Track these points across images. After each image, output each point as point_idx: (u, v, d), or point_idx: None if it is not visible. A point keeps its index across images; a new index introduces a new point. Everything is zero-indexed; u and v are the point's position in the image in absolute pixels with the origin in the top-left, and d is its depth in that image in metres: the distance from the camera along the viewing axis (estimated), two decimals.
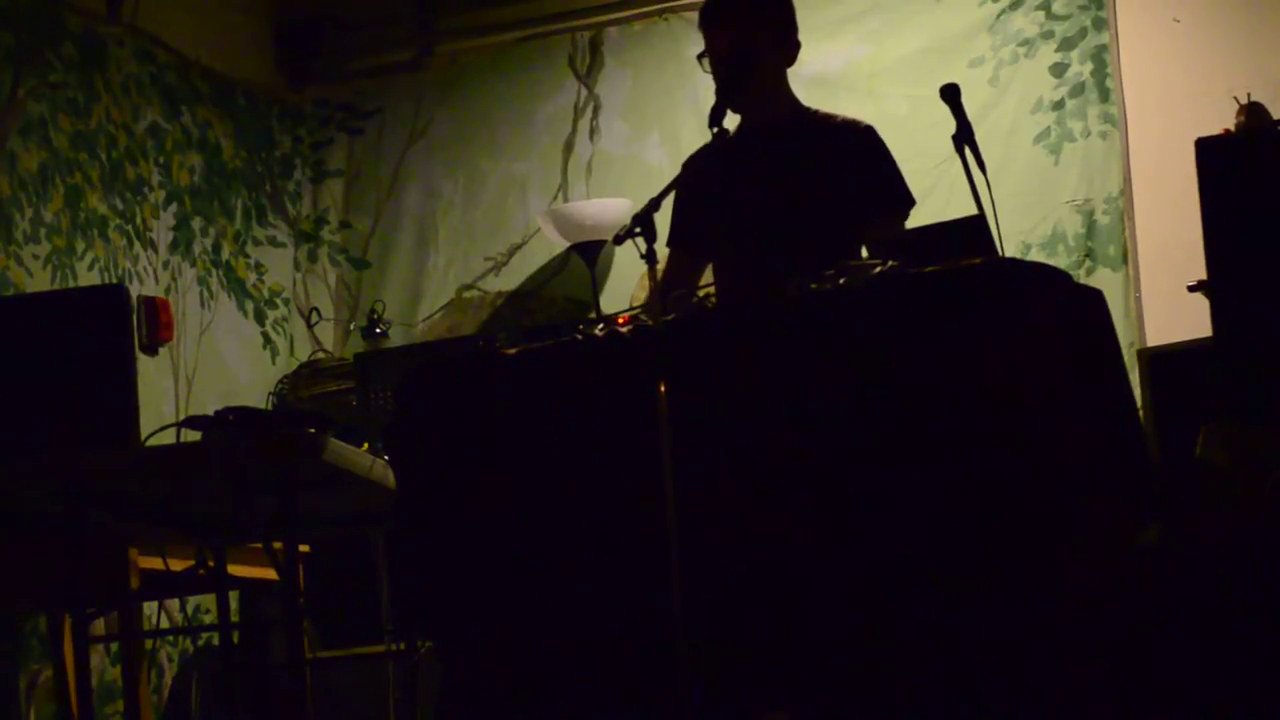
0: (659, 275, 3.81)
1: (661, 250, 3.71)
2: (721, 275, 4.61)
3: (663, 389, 3.43)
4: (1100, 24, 6.46)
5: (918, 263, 3.49)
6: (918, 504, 3.36)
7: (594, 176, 7.10)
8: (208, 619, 6.29)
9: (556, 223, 6.87)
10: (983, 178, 3.94)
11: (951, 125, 4.09)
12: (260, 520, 4.31)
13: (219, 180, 6.94)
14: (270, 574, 4.54)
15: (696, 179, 4.58)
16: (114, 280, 6.19)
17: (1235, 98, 5.72)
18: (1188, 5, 6.38)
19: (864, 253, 4.27)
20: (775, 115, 4.61)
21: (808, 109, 4.65)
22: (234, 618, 5.66)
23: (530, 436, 3.74)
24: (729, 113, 4.37)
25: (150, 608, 5.91)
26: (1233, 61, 6.22)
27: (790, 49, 4.61)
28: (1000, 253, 3.72)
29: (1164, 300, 6.14)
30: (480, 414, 3.81)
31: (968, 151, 4.04)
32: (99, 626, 5.38)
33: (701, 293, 3.86)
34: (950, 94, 4.13)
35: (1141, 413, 4.99)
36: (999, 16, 6.59)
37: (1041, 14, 6.54)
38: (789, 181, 4.54)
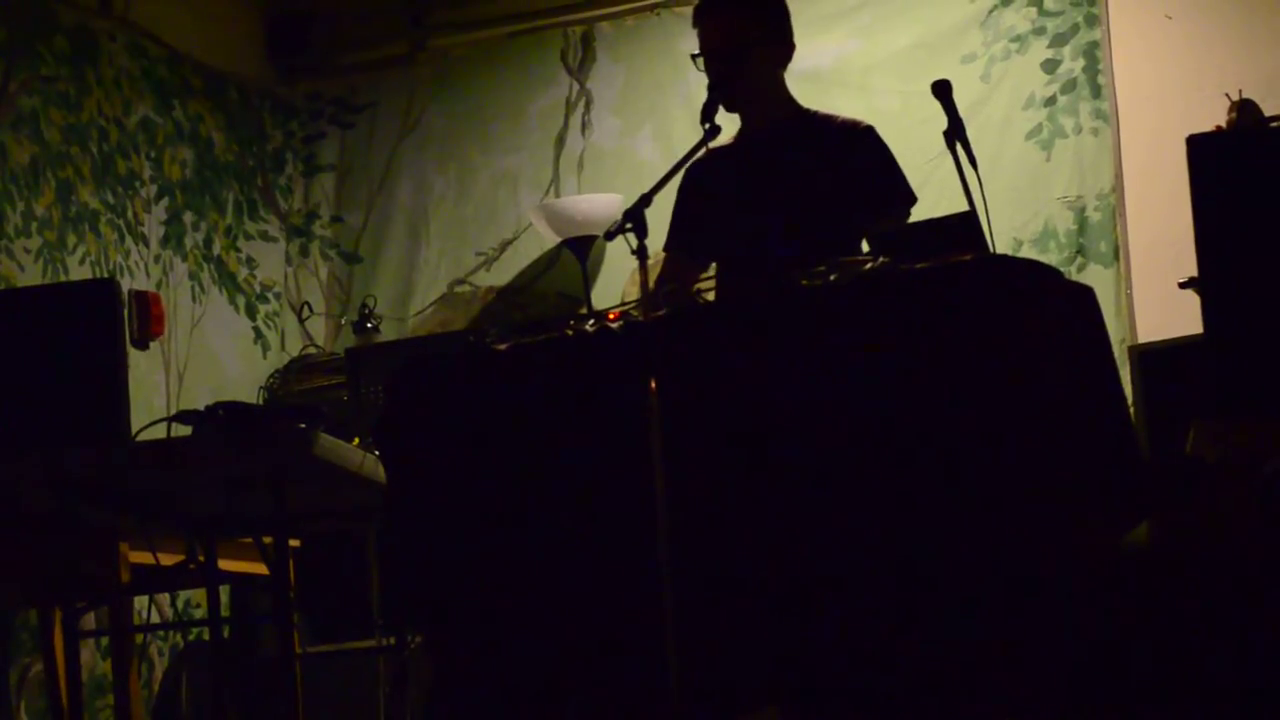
0: (655, 279, 3.81)
1: (653, 245, 3.70)
2: (726, 278, 4.62)
3: (653, 385, 3.44)
4: (1092, 20, 6.46)
5: (909, 259, 3.49)
6: (904, 500, 3.36)
7: (586, 171, 7.10)
8: (198, 614, 6.29)
9: (548, 218, 6.86)
10: (974, 174, 3.94)
11: (943, 121, 4.09)
12: (251, 515, 4.31)
13: (210, 174, 6.93)
14: (261, 569, 4.54)
15: (700, 185, 4.59)
16: (105, 274, 6.19)
17: (1227, 94, 5.70)
18: (1180, 1, 6.38)
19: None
20: (775, 118, 4.61)
21: (807, 110, 4.66)
22: (224, 612, 5.66)
23: (521, 432, 3.74)
24: (726, 115, 4.37)
25: (140, 602, 5.91)
26: (1225, 58, 6.22)
27: (784, 49, 4.61)
28: (991, 249, 3.73)
29: (1155, 297, 6.14)
30: (471, 409, 3.81)
31: (959, 147, 4.04)
32: (89, 621, 5.37)
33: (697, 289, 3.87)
34: (942, 90, 4.13)
35: (1132, 409, 4.99)
36: (991, 12, 6.59)
37: (1033, 10, 6.53)
38: (794, 185, 4.55)
